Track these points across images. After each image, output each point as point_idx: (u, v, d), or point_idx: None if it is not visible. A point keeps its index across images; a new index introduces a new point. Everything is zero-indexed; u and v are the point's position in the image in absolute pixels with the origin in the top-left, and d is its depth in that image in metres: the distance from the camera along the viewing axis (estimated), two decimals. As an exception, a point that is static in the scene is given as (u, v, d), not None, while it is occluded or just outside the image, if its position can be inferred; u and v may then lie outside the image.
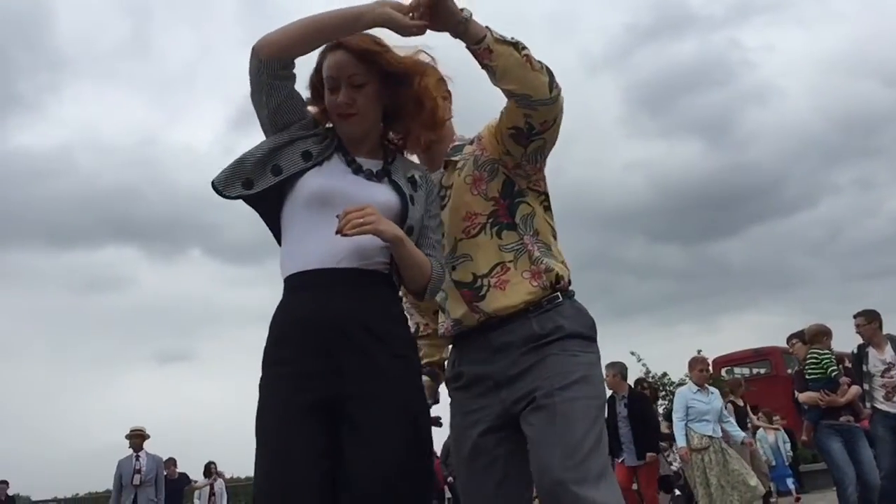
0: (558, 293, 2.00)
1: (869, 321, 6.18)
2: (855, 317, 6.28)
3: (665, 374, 17.25)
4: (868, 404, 6.14)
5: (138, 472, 8.30)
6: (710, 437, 7.00)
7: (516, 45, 1.85)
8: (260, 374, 1.83)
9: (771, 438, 11.91)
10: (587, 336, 2.00)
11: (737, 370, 18.09)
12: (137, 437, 8.55)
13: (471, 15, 1.83)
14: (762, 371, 17.46)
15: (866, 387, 6.11)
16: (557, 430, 1.84)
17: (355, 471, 1.71)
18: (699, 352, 13.39)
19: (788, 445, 11.98)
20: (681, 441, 7.00)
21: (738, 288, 43.92)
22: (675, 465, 9.31)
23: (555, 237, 2.09)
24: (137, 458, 8.41)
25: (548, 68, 1.89)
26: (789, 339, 7.29)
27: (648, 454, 7.65)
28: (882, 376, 6.06)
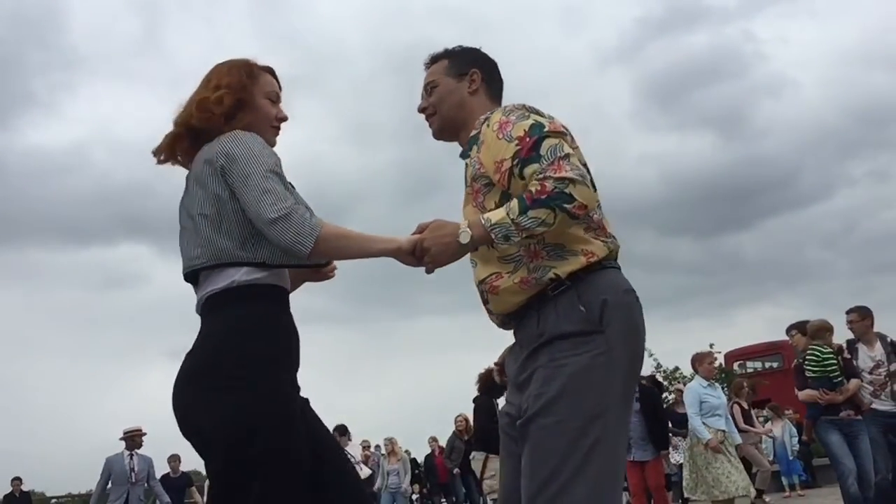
0: (566, 278, 1.88)
1: (862, 318, 6.17)
2: (847, 313, 6.25)
3: (677, 369, 17.20)
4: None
5: (132, 470, 8.34)
6: (723, 431, 7.01)
7: (529, 235, 1.80)
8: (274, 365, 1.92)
9: (777, 432, 11.80)
10: (579, 332, 1.84)
11: (749, 364, 18.02)
12: (138, 436, 8.59)
13: (469, 237, 1.84)
14: (775, 364, 17.36)
15: None
16: (533, 463, 1.83)
17: (333, 479, 1.97)
18: (711, 346, 13.33)
19: (796, 439, 11.85)
20: (703, 434, 6.91)
21: (752, 281, 43.46)
22: (679, 459, 9.24)
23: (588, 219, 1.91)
24: (132, 456, 8.44)
25: (565, 201, 1.75)
26: (789, 329, 7.01)
27: (662, 452, 7.62)
28: (870, 373, 6.07)
